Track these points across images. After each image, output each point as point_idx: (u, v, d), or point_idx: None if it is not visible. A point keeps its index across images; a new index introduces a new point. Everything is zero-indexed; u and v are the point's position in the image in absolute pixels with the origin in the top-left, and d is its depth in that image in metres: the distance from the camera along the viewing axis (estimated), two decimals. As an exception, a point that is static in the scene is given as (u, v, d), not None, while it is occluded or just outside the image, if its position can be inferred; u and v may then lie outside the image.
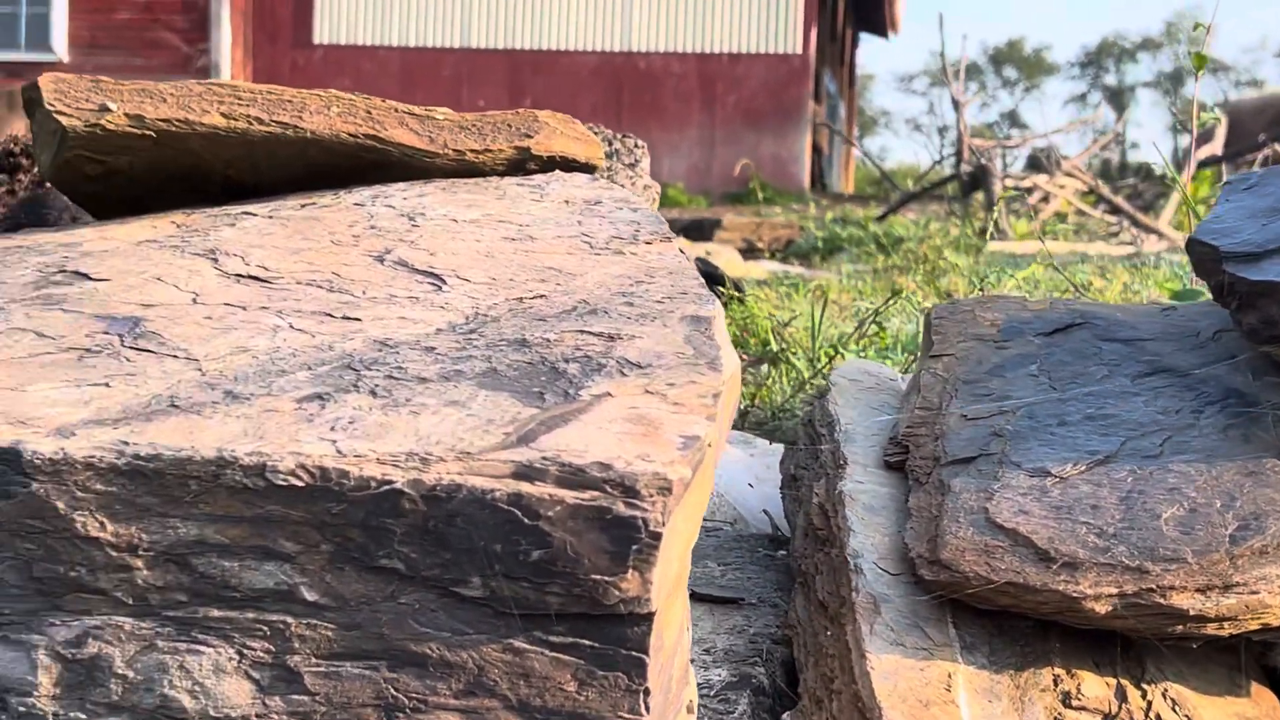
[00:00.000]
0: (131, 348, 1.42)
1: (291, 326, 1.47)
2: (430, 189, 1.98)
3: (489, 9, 20.70)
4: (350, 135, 2.04)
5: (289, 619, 1.20)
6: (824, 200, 17.24)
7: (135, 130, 2.00)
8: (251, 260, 1.66)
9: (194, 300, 1.54)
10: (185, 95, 2.03)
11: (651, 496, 1.15)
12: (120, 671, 1.20)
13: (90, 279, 1.60)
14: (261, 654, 1.21)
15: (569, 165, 2.09)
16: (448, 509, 1.17)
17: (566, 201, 1.92)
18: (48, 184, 2.43)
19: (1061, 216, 11.63)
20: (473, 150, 2.06)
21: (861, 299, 4.80)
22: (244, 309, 1.52)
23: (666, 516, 1.16)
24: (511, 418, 1.24)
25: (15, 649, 1.22)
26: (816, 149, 22.04)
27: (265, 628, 1.21)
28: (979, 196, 11.88)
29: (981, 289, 3.49)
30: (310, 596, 1.20)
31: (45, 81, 2.01)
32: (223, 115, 2.01)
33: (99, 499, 1.21)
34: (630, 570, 1.16)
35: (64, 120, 1.98)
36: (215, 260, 1.66)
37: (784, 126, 20.95)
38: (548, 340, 1.40)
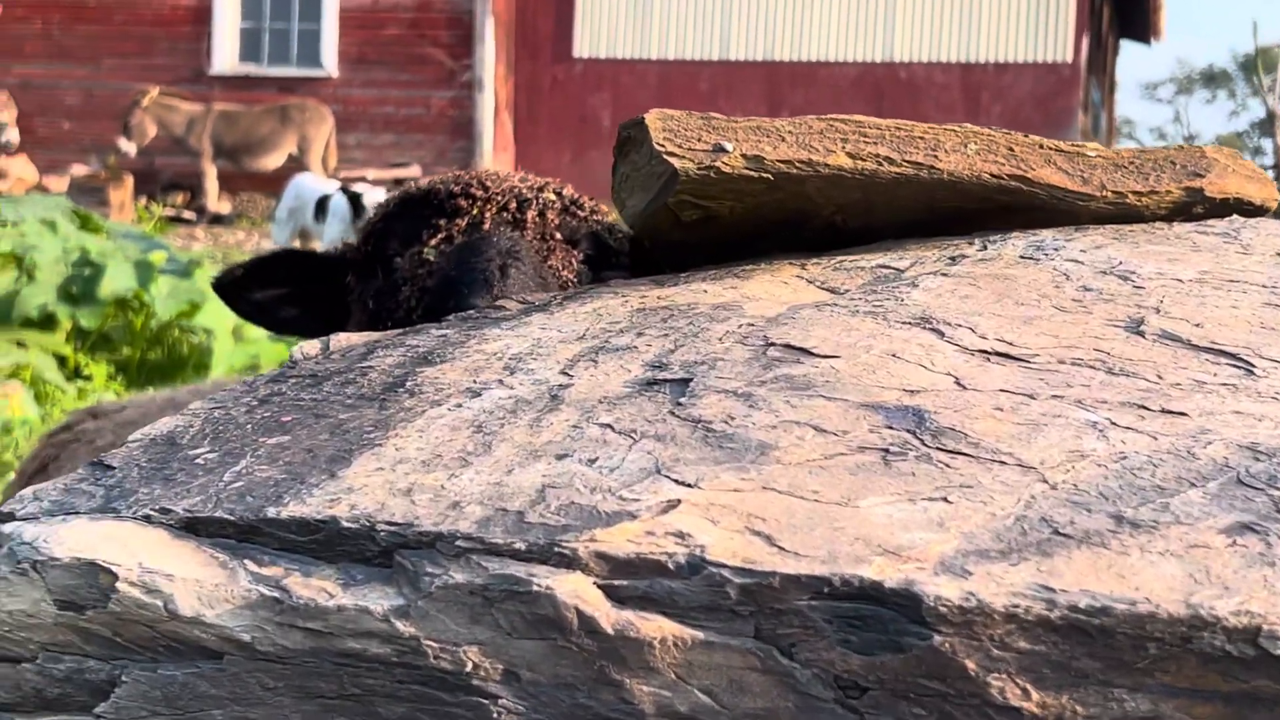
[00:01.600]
0: (938, 448, 1.18)
1: (1112, 423, 1.21)
2: (1102, 239, 1.70)
3: (748, 20, 20.51)
4: (993, 176, 1.78)
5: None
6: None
7: (752, 173, 1.77)
8: (985, 332, 1.41)
9: (958, 384, 1.30)
10: (805, 133, 1.80)
11: None
12: None
13: (814, 354, 1.37)
14: None
15: (1241, 208, 1.80)
16: None
17: (1278, 254, 1.63)
18: (485, 227, 2.22)
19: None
20: (1134, 192, 1.78)
21: None
22: (1032, 398, 1.26)
23: None
24: None
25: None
26: (1083, 160, 21.13)
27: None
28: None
29: None
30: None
31: (653, 119, 1.81)
32: (849, 155, 1.78)
33: (1021, 660, 0.97)
34: None
35: (675, 162, 1.77)
36: (940, 332, 1.42)
37: (1051, 137, 20.15)
38: None
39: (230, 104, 19.15)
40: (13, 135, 18.17)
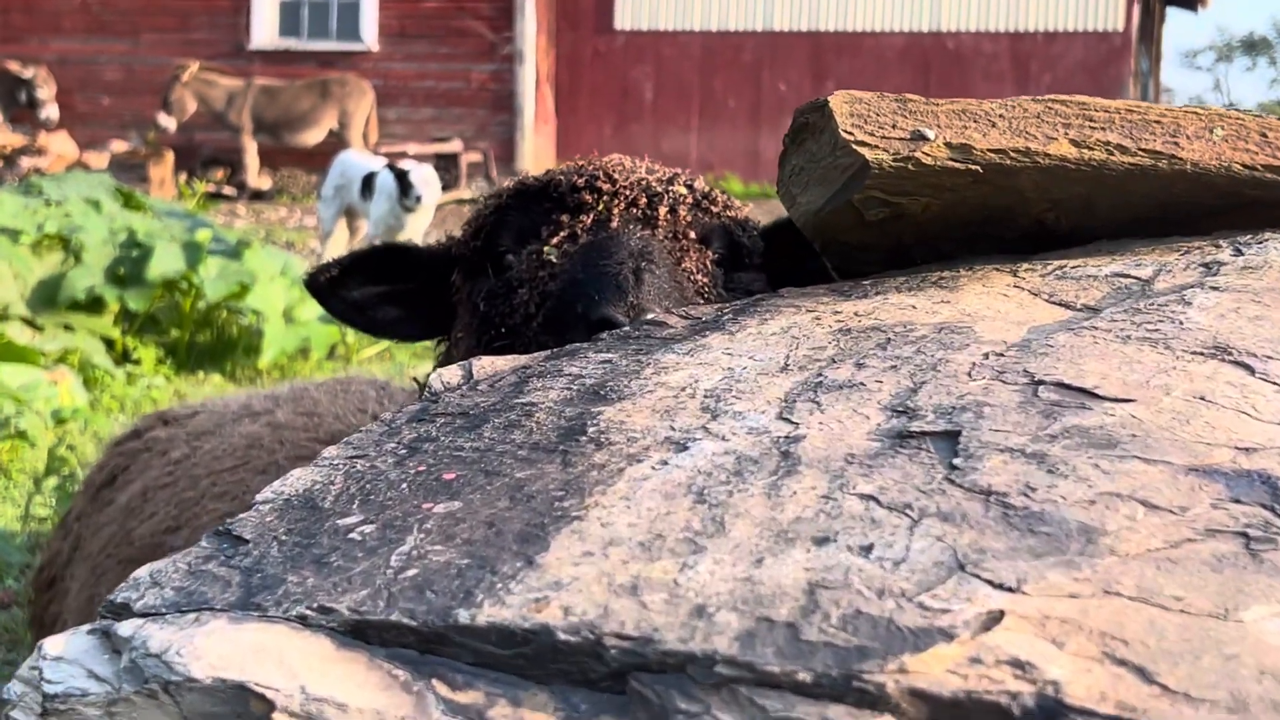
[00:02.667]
0: (1315, 533, 0.91)
1: None
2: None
3: (792, -10, 20.11)
4: (1245, 167, 1.51)
5: None
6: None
7: (957, 164, 1.51)
8: (1305, 368, 1.15)
9: (1301, 440, 1.03)
10: (1019, 117, 1.53)
11: None
12: None
13: (1101, 397, 1.11)
14: None
15: None
16: None
17: None
18: (613, 225, 1.96)
19: None
20: None
21: None
22: (1405, 459, 1.00)
23: None
24: None
25: None
26: (1135, 131, 20.65)
27: None
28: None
29: None
30: None
31: (838, 101, 1.55)
32: (1072, 143, 1.51)
33: None
34: None
35: (866, 153, 1.51)
36: (1248, 367, 1.16)
37: (1103, 107, 19.69)
38: None
39: (270, 79, 18.93)
40: (52, 111, 18.01)
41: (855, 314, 1.44)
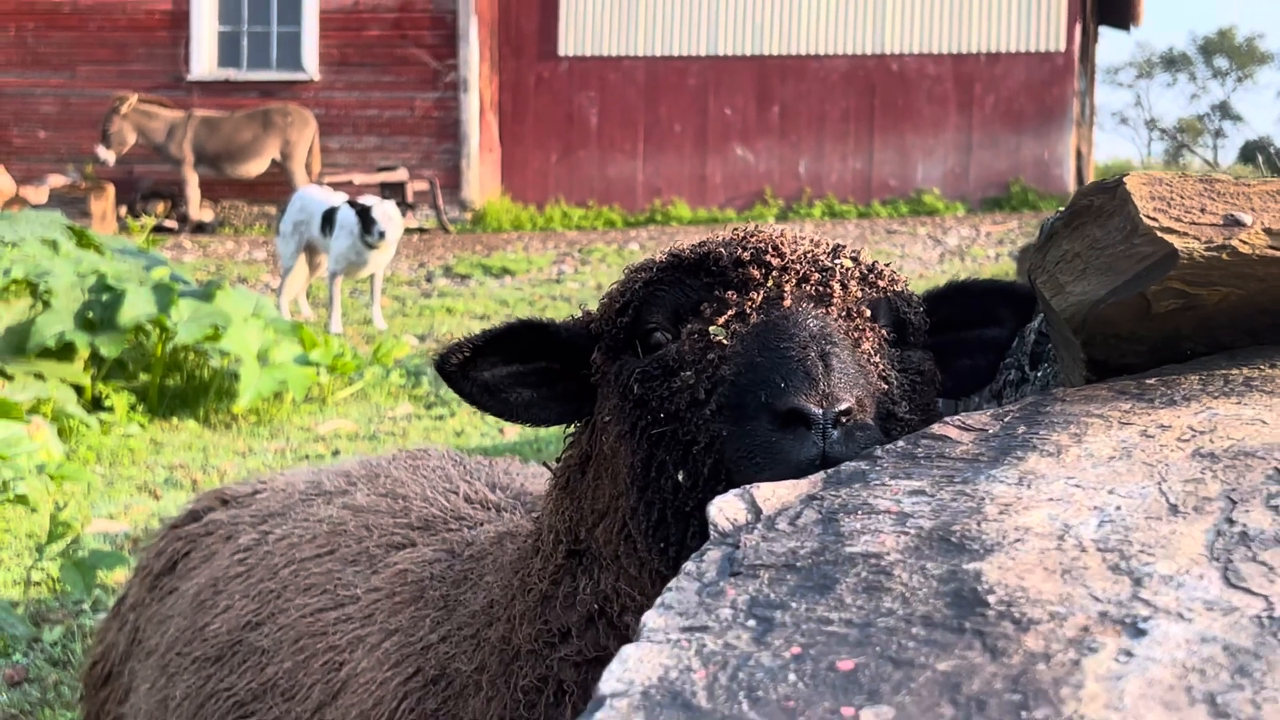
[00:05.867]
0: None
1: None
2: None
3: (736, 15, 20.09)
4: None
5: None
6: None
7: (1276, 252, 1.34)
8: None
9: None
10: (1343, 198, 1.37)
11: None
12: None
13: None
14: None
15: None
16: None
17: None
18: (785, 303, 1.79)
19: None
20: None
21: None
22: None
23: None
24: None
25: None
26: (1077, 151, 20.85)
27: None
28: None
29: None
30: None
31: (1136, 183, 1.37)
32: None
33: None
34: None
35: (1175, 241, 1.34)
36: None
37: (1046, 127, 19.88)
38: None
39: (210, 110, 18.58)
40: (-13, 146, 17.54)
41: (1192, 429, 1.26)
